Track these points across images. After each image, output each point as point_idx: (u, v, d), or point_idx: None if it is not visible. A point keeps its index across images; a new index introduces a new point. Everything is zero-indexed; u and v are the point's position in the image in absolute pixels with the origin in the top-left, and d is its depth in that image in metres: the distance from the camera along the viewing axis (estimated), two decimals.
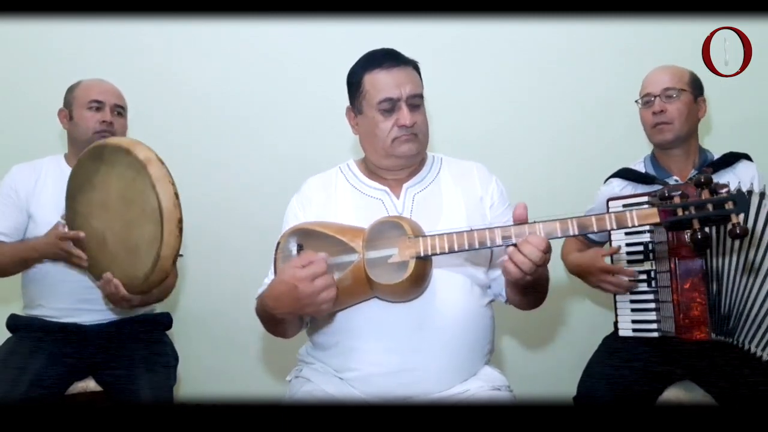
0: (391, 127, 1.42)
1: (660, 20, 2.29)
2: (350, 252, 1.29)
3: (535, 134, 2.45)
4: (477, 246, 1.22)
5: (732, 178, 1.77)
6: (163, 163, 1.49)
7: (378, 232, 1.30)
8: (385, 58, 1.44)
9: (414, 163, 1.50)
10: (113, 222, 1.56)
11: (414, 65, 1.48)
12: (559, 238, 1.19)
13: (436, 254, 1.25)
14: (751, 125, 2.34)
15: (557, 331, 2.53)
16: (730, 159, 1.83)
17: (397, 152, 1.44)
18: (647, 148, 1.96)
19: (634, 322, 1.72)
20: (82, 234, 1.62)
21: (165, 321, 2.02)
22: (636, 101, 1.88)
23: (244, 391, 2.44)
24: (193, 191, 2.39)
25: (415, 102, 1.44)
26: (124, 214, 1.53)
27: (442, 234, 1.24)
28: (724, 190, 1.12)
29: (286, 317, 1.32)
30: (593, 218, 1.17)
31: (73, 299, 1.84)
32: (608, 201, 1.79)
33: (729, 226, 1.10)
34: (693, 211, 1.12)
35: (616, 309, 1.77)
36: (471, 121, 2.44)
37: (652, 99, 1.81)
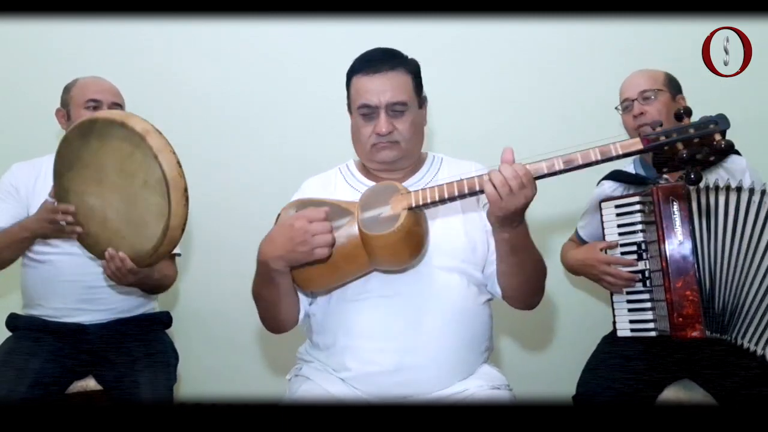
0: (371, 133, 1.43)
1: (660, 20, 2.29)
2: (346, 215, 1.31)
3: (535, 134, 2.44)
4: (467, 192, 1.25)
5: (722, 173, 1.78)
6: (161, 133, 1.45)
7: (373, 195, 1.32)
8: (372, 63, 1.43)
9: (399, 168, 1.50)
10: (112, 197, 1.52)
11: (409, 68, 1.46)
12: (546, 176, 1.22)
13: (427, 204, 1.26)
14: (752, 125, 2.34)
15: (556, 331, 2.53)
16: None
17: (376, 158, 1.46)
18: None
19: (631, 322, 1.72)
20: (71, 208, 1.58)
21: (164, 320, 2.02)
22: (616, 108, 1.89)
23: (244, 391, 2.45)
24: (193, 191, 2.37)
25: (397, 109, 1.42)
26: (125, 188, 1.48)
27: (433, 186, 1.27)
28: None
29: (279, 267, 1.30)
30: (578, 153, 1.20)
31: (72, 299, 1.84)
32: (600, 203, 1.80)
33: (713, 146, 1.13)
34: (675, 136, 1.14)
35: (613, 309, 1.77)
36: (471, 121, 2.44)
37: (631, 103, 1.83)
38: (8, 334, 1.90)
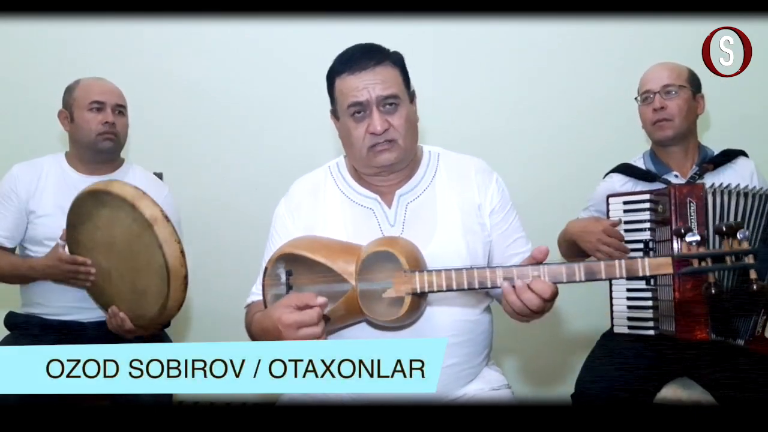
0: (364, 134, 1.32)
1: (660, 20, 2.29)
2: (342, 282, 1.24)
3: (534, 133, 2.45)
4: (477, 286, 1.17)
5: (732, 175, 1.78)
6: (168, 219, 1.55)
7: (371, 261, 1.24)
8: (354, 60, 1.32)
9: (397, 170, 1.38)
10: (119, 264, 1.64)
11: (394, 61, 1.35)
12: (564, 283, 1.13)
13: (432, 291, 1.20)
14: (752, 125, 2.34)
15: (556, 329, 2.52)
16: (729, 155, 1.83)
17: (374, 163, 1.34)
18: (647, 146, 1.96)
19: (630, 319, 1.72)
20: (89, 261, 1.68)
21: None
22: (635, 98, 1.88)
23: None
24: (192, 190, 2.40)
25: (389, 102, 1.31)
26: (131, 261, 1.61)
27: (440, 271, 1.18)
28: (744, 243, 1.05)
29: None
30: (602, 264, 1.12)
31: (71, 298, 1.84)
32: (608, 197, 1.78)
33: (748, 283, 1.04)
34: (710, 263, 1.06)
35: (611, 305, 1.76)
36: (468, 119, 2.45)
37: (652, 96, 1.81)
38: (6, 332, 1.90)
